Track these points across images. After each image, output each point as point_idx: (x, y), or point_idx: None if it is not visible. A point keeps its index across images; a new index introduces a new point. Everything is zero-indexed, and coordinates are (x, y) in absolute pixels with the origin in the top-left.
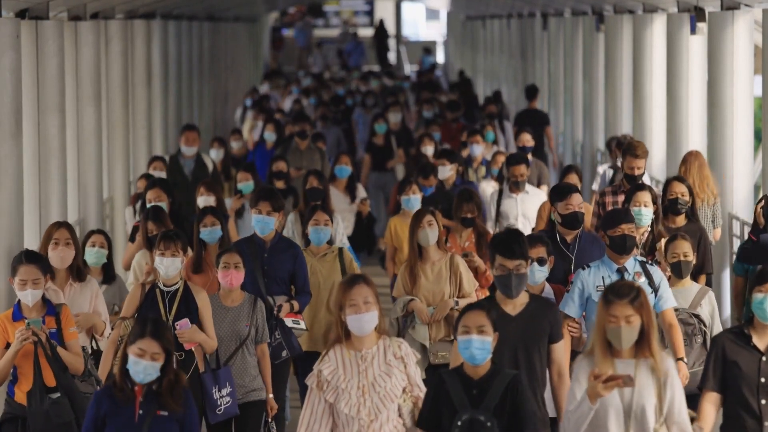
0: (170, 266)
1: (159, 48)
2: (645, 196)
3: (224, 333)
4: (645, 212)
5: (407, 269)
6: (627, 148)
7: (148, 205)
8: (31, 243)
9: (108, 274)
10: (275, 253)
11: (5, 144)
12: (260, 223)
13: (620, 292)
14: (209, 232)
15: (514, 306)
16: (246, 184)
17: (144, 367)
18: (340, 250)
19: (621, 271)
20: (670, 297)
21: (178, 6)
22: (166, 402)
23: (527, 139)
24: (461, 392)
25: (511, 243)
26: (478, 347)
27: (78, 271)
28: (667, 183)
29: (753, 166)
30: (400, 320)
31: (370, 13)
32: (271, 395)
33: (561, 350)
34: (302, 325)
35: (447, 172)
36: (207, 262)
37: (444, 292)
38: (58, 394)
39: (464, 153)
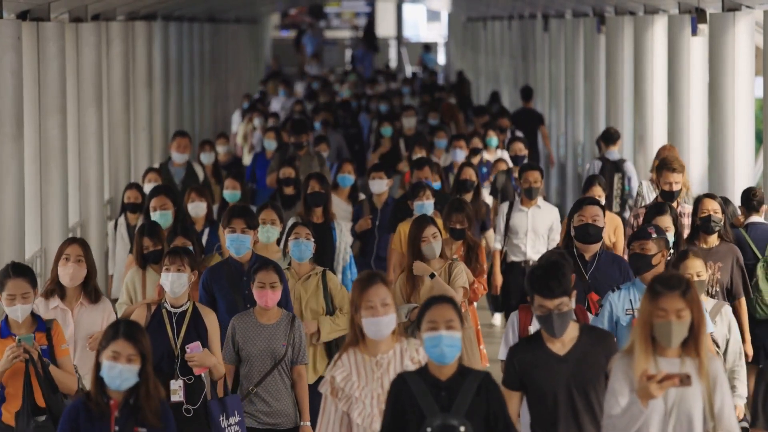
0: (175, 282)
1: (160, 50)
2: (665, 222)
3: (258, 351)
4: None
5: (406, 277)
6: (663, 163)
7: (152, 214)
8: (32, 245)
9: None
10: None
11: (6, 145)
12: (236, 242)
13: (670, 283)
14: None
15: (563, 344)
16: (232, 192)
17: (120, 371)
18: (324, 272)
19: None
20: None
21: (179, 7)
22: (144, 415)
23: (519, 148)
24: (428, 395)
25: (548, 280)
26: (448, 344)
27: (91, 290)
28: (698, 200)
29: (754, 167)
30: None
31: (371, 14)
32: (307, 423)
33: None
34: None
35: (383, 186)
36: None
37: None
38: (44, 417)
39: (475, 159)
